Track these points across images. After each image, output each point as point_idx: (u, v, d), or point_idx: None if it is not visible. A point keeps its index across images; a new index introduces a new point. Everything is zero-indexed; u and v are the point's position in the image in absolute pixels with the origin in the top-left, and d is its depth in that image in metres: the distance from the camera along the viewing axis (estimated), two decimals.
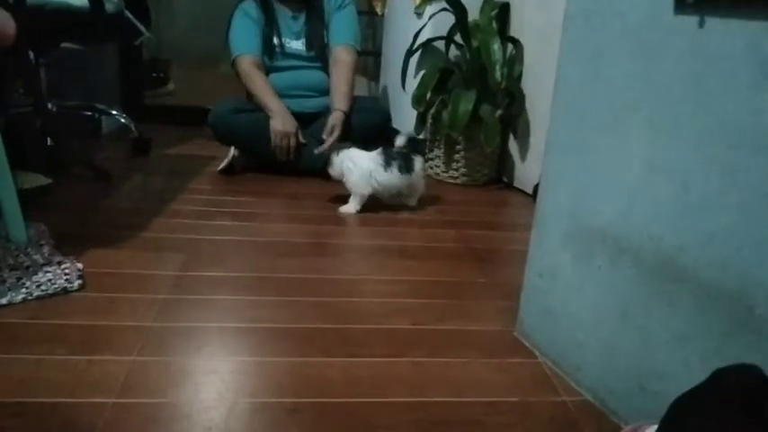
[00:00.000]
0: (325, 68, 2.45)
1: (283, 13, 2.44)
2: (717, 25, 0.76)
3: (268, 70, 2.40)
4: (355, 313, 1.22)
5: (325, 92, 2.41)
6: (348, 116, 2.24)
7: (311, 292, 1.30)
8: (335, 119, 2.21)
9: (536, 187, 2.02)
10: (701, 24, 0.78)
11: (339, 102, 2.26)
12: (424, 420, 0.91)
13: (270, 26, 2.40)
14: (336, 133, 2.17)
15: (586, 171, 0.99)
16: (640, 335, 0.89)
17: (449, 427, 0.90)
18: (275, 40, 2.41)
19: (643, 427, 0.81)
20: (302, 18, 2.45)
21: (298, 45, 2.45)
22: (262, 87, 2.28)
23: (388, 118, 2.51)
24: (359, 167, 1.87)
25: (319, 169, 2.10)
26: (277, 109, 2.21)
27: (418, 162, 1.95)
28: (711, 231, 0.78)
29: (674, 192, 0.83)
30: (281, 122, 2.17)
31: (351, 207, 1.90)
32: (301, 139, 2.21)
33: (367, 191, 1.89)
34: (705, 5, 0.77)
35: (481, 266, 1.53)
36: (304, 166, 2.22)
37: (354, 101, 2.33)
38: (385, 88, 2.94)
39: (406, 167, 1.90)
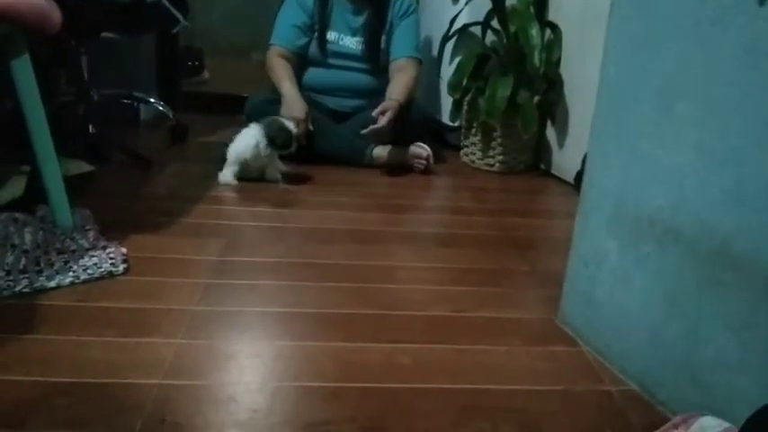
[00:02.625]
0: (373, 71, 2.39)
1: (343, 6, 2.36)
2: None
3: (311, 62, 2.35)
4: (396, 300, 1.22)
5: (365, 94, 2.38)
6: (402, 109, 2.16)
7: (351, 278, 1.30)
8: (389, 104, 2.12)
9: (578, 174, 1.98)
10: (762, 2, 0.75)
11: (396, 93, 2.19)
12: (466, 407, 0.90)
13: (325, 17, 2.33)
14: (390, 115, 2.09)
15: (634, 157, 0.97)
16: (692, 324, 0.87)
17: (492, 414, 0.89)
18: (329, 35, 2.34)
19: (695, 416, 0.80)
20: (364, 15, 2.36)
21: (352, 43, 2.36)
22: (278, 74, 2.24)
23: (427, 116, 2.46)
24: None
25: (336, 153, 2.15)
26: (287, 94, 2.16)
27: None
28: None
29: (727, 177, 0.81)
30: (288, 108, 2.11)
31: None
32: (310, 126, 2.11)
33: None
34: None
35: (521, 254, 1.51)
36: (319, 150, 2.18)
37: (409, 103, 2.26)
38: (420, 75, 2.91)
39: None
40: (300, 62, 2.35)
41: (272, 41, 2.33)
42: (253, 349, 1.02)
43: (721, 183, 0.82)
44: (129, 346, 0.98)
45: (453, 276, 1.36)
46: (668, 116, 0.90)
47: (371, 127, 2.10)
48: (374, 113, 2.10)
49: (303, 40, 2.33)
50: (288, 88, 2.19)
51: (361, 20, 2.36)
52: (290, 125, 1.97)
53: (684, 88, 0.87)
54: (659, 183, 0.92)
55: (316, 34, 2.34)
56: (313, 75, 2.36)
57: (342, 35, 2.36)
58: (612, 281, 1.03)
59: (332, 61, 2.37)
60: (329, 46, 2.35)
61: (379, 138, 2.17)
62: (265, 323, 1.10)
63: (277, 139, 1.94)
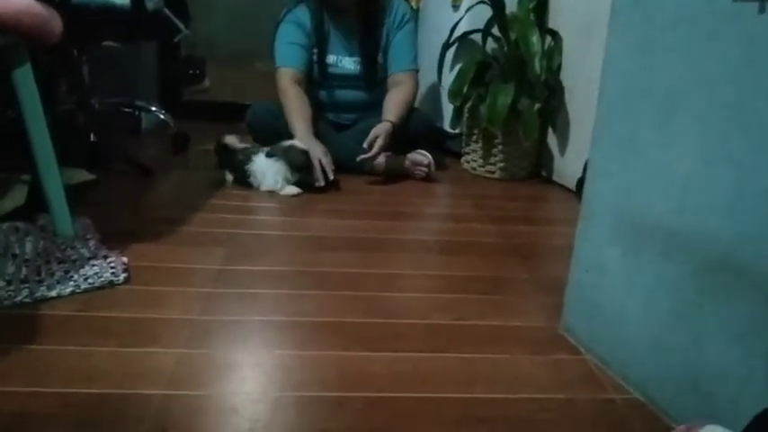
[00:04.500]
0: (371, 86, 2.40)
1: (338, 29, 2.36)
2: None
3: (312, 83, 2.36)
4: (397, 308, 1.22)
5: (363, 107, 2.40)
6: (395, 128, 2.18)
7: (352, 287, 1.29)
8: (381, 128, 2.15)
9: (579, 182, 1.98)
10: (762, 9, 0.75)
11: (390, 113, 2.21)
12: (469, 416, 0.90)
13: (321, 41, 2.33)
14: (380, 142, 2.12)
15: (636, 163, 0.97)
16: (694, 332, 0.86)
17: (495, 423, 0.89)
18: (329, 58, 2.35)
19: (697, 425, 0.79)
20: (358, 35, 2.36)
21: (350, 63, 2.38)
22: (292, 109, 2.19)
23: (429, 123, 2.47)
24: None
25: (336, 161, 2.12)
26: (302, 134, 2.13)
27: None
28: None
29: (730, 184, 0.80)
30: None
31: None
32: (331, 165, 2.07)
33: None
34: None
35: (522, 262, 1.51)
36: (340, 163, 2.18)
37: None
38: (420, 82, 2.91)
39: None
40: (309, 81, 2.34)
41: (279, 64, 2.29)
42: (254, 359, 1.02)
43: (723, 190, 0.81)
44: (130, 356, 0.97)
45: (454, 284, 1.35)
46: (670, 122, 0.90)
47: (363, 156, 2.12)
48: (365, 144, 2.12)
49: (308, 59, 2.32)
50: (302, 128, 2.14)
51: (356, 41, 2.37)
52: (303, 146, 2.01)
53: (686, 94, 0.87)
54: (661, 190, 0.92)
55: (315, 58, 2.34)
56: (315, 95, 2.36)
57: (340, 57, 2.37)
58: (614, 288, 1.03)
59: (332, 82, 2.39)
60: (330, 69, 2.36)
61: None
62: (266, 332, 1.10)
63: (296, 161, 1.97)
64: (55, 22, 1.27)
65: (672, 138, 0.90)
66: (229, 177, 2.06)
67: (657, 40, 0.92)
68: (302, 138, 2.11)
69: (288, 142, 2.03)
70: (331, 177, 2.05)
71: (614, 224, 1.02)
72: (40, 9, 1.21)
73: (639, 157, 0.96)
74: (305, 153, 1.98)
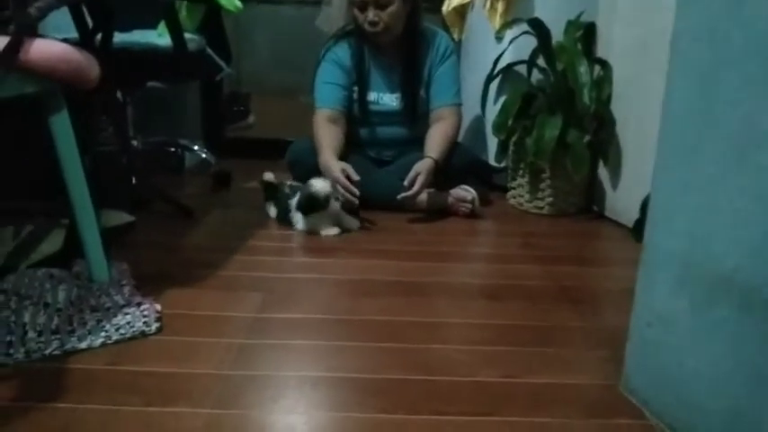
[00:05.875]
0: (412, 122, 2.36)
1: (379, 64, 2.33)
2: None
3: (352, 121, 2.32)
4: (440, 362, 1.13)
5: (405, 143, 2.36)
6: (437, 165, 2.12)
7: (393, 337, 1.22)
8: (422, 165, 2.09)
9: (637, 222, 1.86)
10: None
11: (432, 150, 2.16)
12: None
13: (362, 78, 2.31)
14: (422, 180, 2.06)
15: (705, 209, 0.87)
16: None
17: None
18: (370, 96, 2.32)
19: None
20: (399, 70, 2.32)
21: (392, 100, 2.33)
22: (321, 141, 2.15)
23: (472, 158, 2.41)
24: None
25: (376, 197, 2.08)
26: (322, 161, 2.09)
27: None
28: None
29: None
30: (325, 173, 2.03)
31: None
32: (354, 176, 2.00)
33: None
34: None
35: (575, 308, 1.40)
36: (374, 198, 2.12)
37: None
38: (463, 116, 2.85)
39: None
40: (348, 119, 2.31)
41: (318, 105, 2.27)
42: (288, 420, 0.95)
43: None
44: (155, 417, 0.92)
45: (501, 334, 1.26)
46: (746, 162, 0.80)
47: (403, 194, 2.06)
48: (406, 182, 2.06)
49: (347, 98, 2.30)
50: (325, 157, 2.10)
51: (397, 76, 2.33)
52: (321, 189, 1.88)
53: (763, 132, 0.78)
54: (736, 240, 0.82)
55: (356, 96, 2.31)
56: (355, 132, 2.33)
57: (381, 94, 2.33)
58: (682, 346, 0.92)
59: (373, 119, 2.35)
60: (371, 106, 2.33)
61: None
62: (301, 390, 1.03)
63: (304, 204, 1.88)
64: (92, 67, 1.26)
65: (749, 179, 0.80)
66: (273, 211, 2.03)
67: (725, 72, 0.83)
68: (323, 162, 2.08)
69: (307, 184, 1.93)
70: (357, 193, 1.97)
71: (680, 274, 0.92)
72: (76, 55, 1.20)
73: (709, 202, 0.86)
74: (313, 197, 1.87)
